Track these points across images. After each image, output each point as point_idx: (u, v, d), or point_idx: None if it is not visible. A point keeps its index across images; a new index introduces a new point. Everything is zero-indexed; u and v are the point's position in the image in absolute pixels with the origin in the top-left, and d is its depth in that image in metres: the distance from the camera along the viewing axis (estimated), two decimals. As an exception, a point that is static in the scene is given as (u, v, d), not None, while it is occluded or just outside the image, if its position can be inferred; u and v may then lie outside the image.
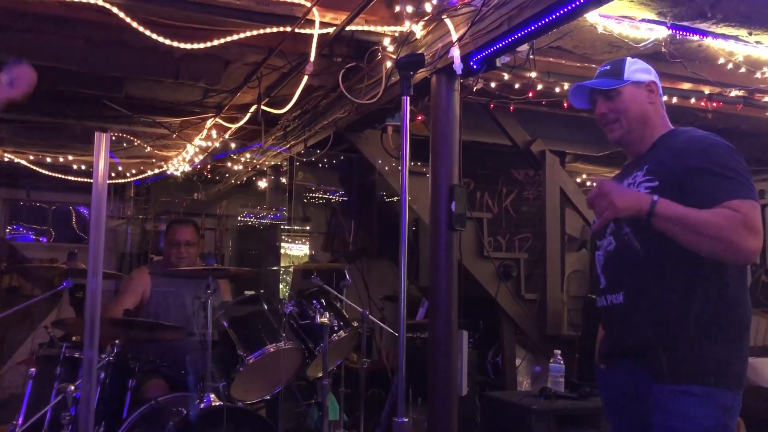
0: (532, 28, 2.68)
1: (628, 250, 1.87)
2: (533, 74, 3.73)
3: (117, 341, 3.37)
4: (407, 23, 3.08)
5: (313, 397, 4.29)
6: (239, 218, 7.79)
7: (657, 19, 3.23)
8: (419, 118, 4.03)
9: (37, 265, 3.58)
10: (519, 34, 2.77)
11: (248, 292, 4.91)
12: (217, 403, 3.24)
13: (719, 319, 1.87)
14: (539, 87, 4.05)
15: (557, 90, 4.08)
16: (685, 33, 3.35)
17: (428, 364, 3.36)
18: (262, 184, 7.25)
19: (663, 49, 3.48)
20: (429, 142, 3.36)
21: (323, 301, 3.85)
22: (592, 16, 3.14)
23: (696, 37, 3.40)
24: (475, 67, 3.02)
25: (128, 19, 3.14)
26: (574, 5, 2.50)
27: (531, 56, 3.30)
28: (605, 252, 2.04)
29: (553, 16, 2.60)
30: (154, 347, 3.78)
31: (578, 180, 7.29)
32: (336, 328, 3.75)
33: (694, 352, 1.85)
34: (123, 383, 3.43)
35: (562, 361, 3.74)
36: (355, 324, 3.95)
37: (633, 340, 1.96)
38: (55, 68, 4.00)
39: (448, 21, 3.06)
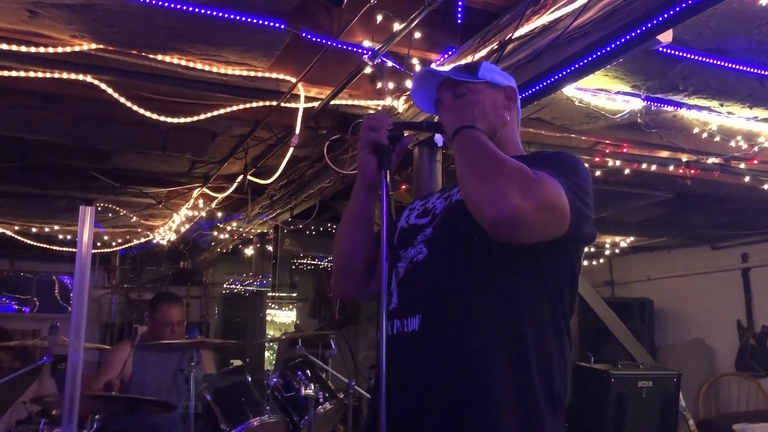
0: (510, 102, 2.76)
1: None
2: (514, 144, 3.80)
3: (97, 416, 3.30)
4: (389, 98, 3.17)
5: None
6: (225, 286, 7.75)
7: (632, 91, 3.33)
8: (403, 186, 4.09)
9: (17, 344, 3.52)
10: (497, 108, 2.84)
11: (234, 362, 4.86)
12: (198, 482, 3.16)
13: (547, 374, 1.40)
14: (521, 156, 4.12)
15: (538, 159, 4.16)
16: (659, 104, 3.46)
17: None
18: (249, 251, 7.25)
19: (639, 120, 3.58)
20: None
21: (308, 372, 3.80)
22: (569, 90, 3.24)
23: (670, 108, 3.50)
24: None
25: (116, 95, 3.21)
26: (549, 81, 2.58)
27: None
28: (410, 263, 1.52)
29: (530, 91, 2.68)
30: (135, 422, 3.69)
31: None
32: (321, 400, 3.69)
33: (509, 414, 1.33)
34: (101, 460, 3.34)
35: None
36: (341, 395, 3.88)
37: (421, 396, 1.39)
38: (43, 141, 4.06)
39: (429, 95, 3.14)
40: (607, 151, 4.15)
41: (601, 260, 7.95)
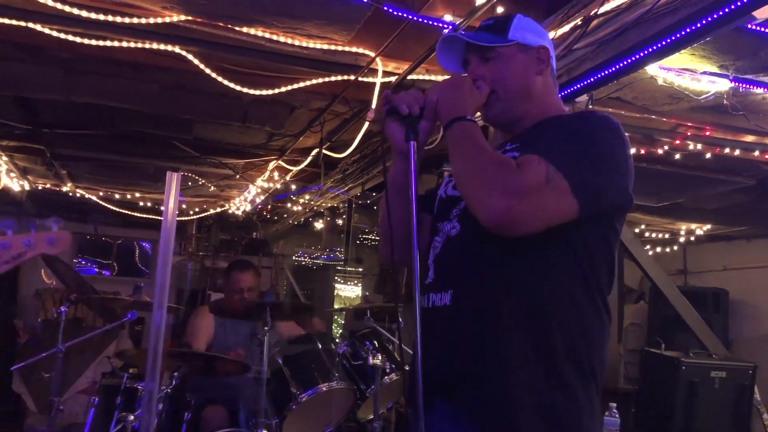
0: (591, 80, 2.72)
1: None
2: (591, 124, 3.74)
3: (175, 373, 3.47)
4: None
5: (363, 440, 4.28)
6: (294, 258, 7.93)
7: (719, 71, 3.22)
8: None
9: (106, 297, 3.73)
10: (578, 86, 2.81)
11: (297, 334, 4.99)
12: (270, 440, 3.28)
13: (575, 353, 1.38)
14: (598, 137, 4.05)
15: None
16: (748, 86, 3.33)
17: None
18: (318, 225, 7.39)
19: (725, 102, 3.46)
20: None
21: (376, 342, 3.88)
22: (652, 69, 3.16)
23: (760, 90, 3.37)
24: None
25: (202, 66, 3.32)
26: (633, 58, 2.53)
27: (590, 107, 3.33)
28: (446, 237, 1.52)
29: (613, 69, 2.64)
30: (209, 382, 3.86)
31: (636, 230, 7.18)
32: (388, 371, 3.76)
33: (529, 395, 1.34)
34: (179, 415, 3.51)
35: (617, 415, 3.65)
36: (407, 368, 3.95)
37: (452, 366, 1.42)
38: (129, 110, 4.24)
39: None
40: (689, 133, 4.03)
41: (675, 248, 7.72)
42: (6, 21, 2.96)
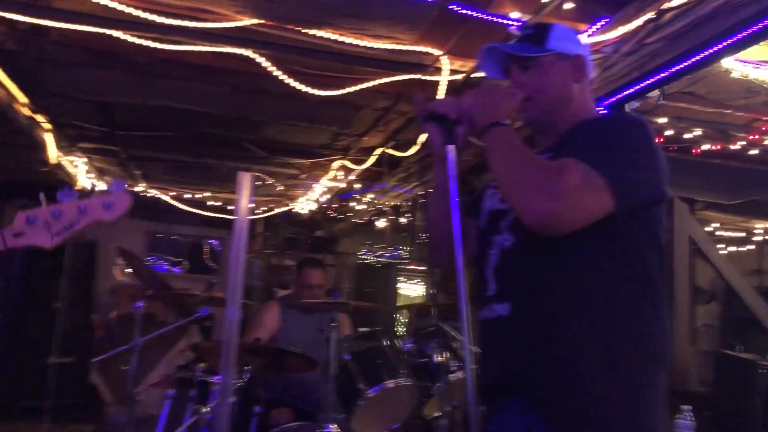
0: (664, 74, 2.67)
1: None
2: (663, 120, 3.66)
3: (247, 367, 3.57)
4: (535, 70, 3.14)
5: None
6: (358, 255, 8.00)
7: (800, 63, 3.10)
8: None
9: (180, 293, 3.89)
10: (650, 81, 2.76)
11: (361, 329, 5.05)
12: (338, 434, 3.34)
13: (636, 349, 1.44)
14: (669, 132, 3.96)
15: (688, 136, 3.98)
16: (831, 78, 3.19)
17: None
18: (381, 223, 7.44)
19: (806, 95, 3.33)
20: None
21: (440, 340, 3.89)
22: (727, 62, 3.06)
23: (843, 82, 3.22)
24: (604, 112, 3.02)
25: (272, 68, 3.40)
26: (708, 52, 2.47)
27: (661, 101, 3.26)
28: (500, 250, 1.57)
29: (686, 63, 2.57)
30: (279, 377, 3.95)
31: (709, 229, 6.94)
32: (453, 369, 3.77)
33: (596, 392, 1.40)
34: (250, 408, 3.61)
35: (691, 417, 3.55)
36: (473, 366, 3.94)
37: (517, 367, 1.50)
38: (201, 112, 4.38)
39: (576, 67, 3.09)
40: (765, 129, 3.88)
41: (751, 247, 7.43)
42: (89, 29, 3.11)
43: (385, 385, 3.47)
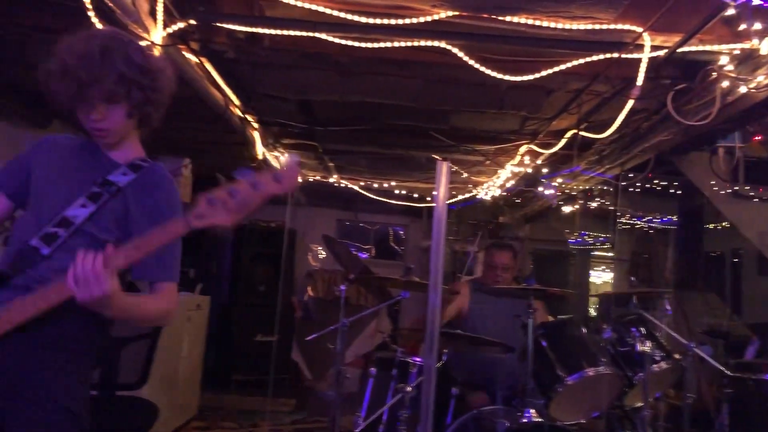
0: None
1: None
2: None
3: (445, 351, 3.70)
4: (755, 40, 2.91)
5: (629, 428, 4.17)
6: (542, 240, 7.87)
7: None
8: (756, 138, 3.73)
9: (381, 277, 4.11)
10: None
11: (559, 317, 4.98)
12: (538, 420, 3.35)
13: None
14: None
15: None
16: None
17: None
18: (567, 209, 7.25)
19: None
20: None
21: (642, 329, 3.75)
22: None
23: None
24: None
25: (466, 58, 3.46)
26: None
27: None
28: None
29: None
30: (474, 360, 4.04)
31: None
32: (657, 359, 3.63)
33: None
34: (447, 390, 3.72)
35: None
36: (677, 357, 3.76)
37: None
38: (393, 104, 4.55)
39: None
40: None
41: None
42: (297, 33, 3.36)
43: (585, 373, 3.42)
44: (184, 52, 3.58)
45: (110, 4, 2.87)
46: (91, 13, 2.92)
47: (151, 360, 3.68)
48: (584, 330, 3.66)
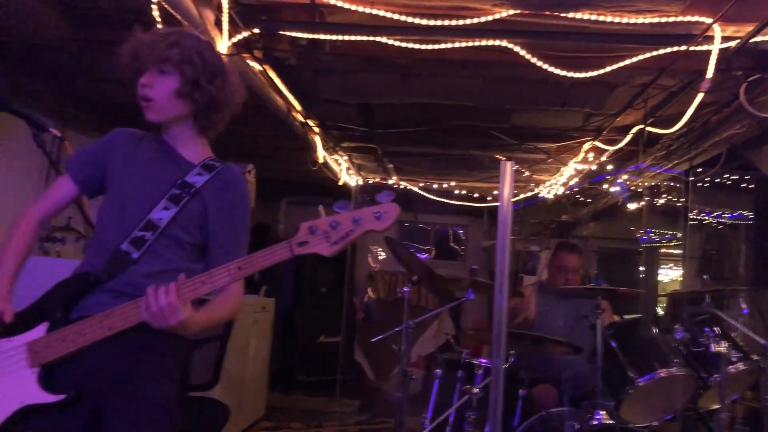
0: None
1: None
2: None
3: (512, 352, 3.67)
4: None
5: (704, 431, 4.04)
6: (608, 240, 7.70)
7: None
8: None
9: (445, 278, 4.10)
10: None
11: (627, 317, 4.87)
12: (609, 422, 3.29)
13: None
14: None
15: None
16: None
17: None
18: (632, 205, 7.08)
19: None
20: None
21: (716, 329, 3.63)
22: None
23: None
24: None
25: (528, 56, 3.43)
26: None
27: None
28: None
29: None
30: (541, 361, 3.99)
31: None
32: (734, 360, 3.50)
33: None
34: (514, 392, 3.69)
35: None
36: (755, 357, 3.62)
37: None
38: (453, 105, 4.54)
39: None
40: None
41: None
42: (358, 38, 3.39)
43: (657, 374, 3.34)
44: (248, 61, 3.66)
45: (178, 17, 2.97)
46: (159, 26, 3.03)
47: (221, 361, 3.76)
48: (655, 330, 3.58)
